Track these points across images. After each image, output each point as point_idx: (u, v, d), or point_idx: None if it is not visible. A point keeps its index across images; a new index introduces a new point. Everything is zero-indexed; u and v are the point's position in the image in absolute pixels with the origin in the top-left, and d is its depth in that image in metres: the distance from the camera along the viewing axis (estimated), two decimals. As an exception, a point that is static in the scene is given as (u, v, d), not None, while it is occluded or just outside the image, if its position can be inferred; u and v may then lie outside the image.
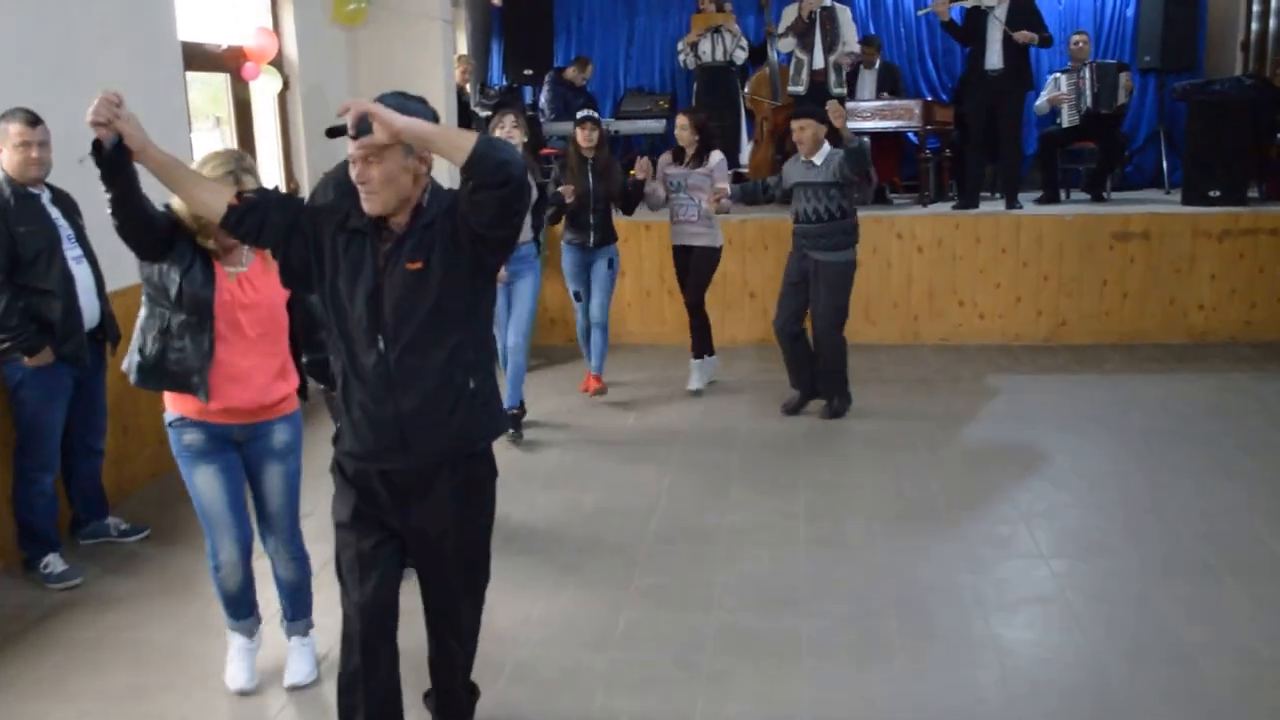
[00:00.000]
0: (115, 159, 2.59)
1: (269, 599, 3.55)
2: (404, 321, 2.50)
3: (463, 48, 9.91)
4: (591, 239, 6.21)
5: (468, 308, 2.56)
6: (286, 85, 6.63)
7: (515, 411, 5.71)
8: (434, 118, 2.48)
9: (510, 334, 5.72)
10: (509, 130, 5.37)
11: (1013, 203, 7.89)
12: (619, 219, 6.48)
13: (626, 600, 3.91)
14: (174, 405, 3.16)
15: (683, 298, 6.53)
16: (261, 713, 3.28)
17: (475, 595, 2.85)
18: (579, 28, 10.77)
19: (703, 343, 6.56)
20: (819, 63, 8.22)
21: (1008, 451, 5.46)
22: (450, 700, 2.95)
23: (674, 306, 7.19)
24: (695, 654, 3.51)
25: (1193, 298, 7.50)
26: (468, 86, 8.91)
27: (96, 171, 2.64)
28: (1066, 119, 8.39)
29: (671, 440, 5.72)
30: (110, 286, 4.36)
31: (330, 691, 2.95)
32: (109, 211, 2.79)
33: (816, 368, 6.03)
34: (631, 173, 6.32)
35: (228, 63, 6.18)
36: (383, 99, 2.43)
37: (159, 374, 3.11)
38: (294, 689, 3.36)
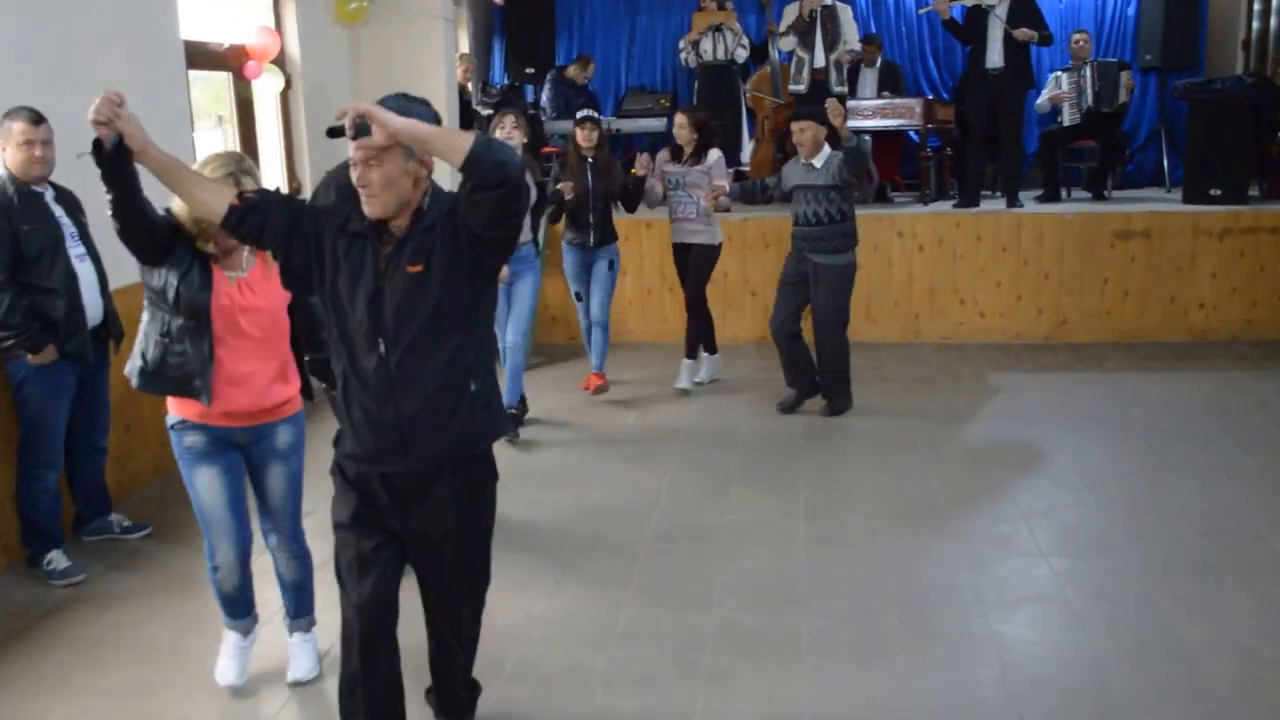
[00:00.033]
0: (116, 159, 2.60)
1: (270, 597, 3.56)
2: (405, 325, 2.50)
3: (464, 46, 9.92)
4: (592, 239, 6.21)
5: (468, 310, 2.56)
6: (288, 84, 6.65)
7: (514, 410, 5.72)
8: (435, 120, 2.48)
9: (509, 333, 5.73)
10: (509, 130, 5.38)
11: (1013, 201, 7.89)
12: (620, 217, 6.49)
13: (627, 598, 3.92)
14: (176, 408, 3.17)
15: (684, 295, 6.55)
16: (263, 709, 3.29)
17: (476, 597, 2.85)
18: (580, 26, 10.76)
19: (697, 342, 6.55)
20: (820, 61, 8.22)
21: (1008, 450, 5.47)
22: (451, 698, 2.97)
23: (675, 305, 7.20)
24: (695, 652, 3.52)
25: (1193, 296, 7.50)
26: (469, 85, 8.92)
27: (97, 171, 2.64)
28: (1067, 117, 8.39)
29: (672, 438, 5.73)
30: (113, 284, 4.37)
31: (332, 688, 2.96)
32: (109, 214, 2.80)
33: (819, 368, 6.04)
34: (633, 170, 6.32)
35: (230, 61, 6.19)
36: (385, 101, 2.44)
37: (161, 379, 3.12)
38: (296, 685, 3.37)
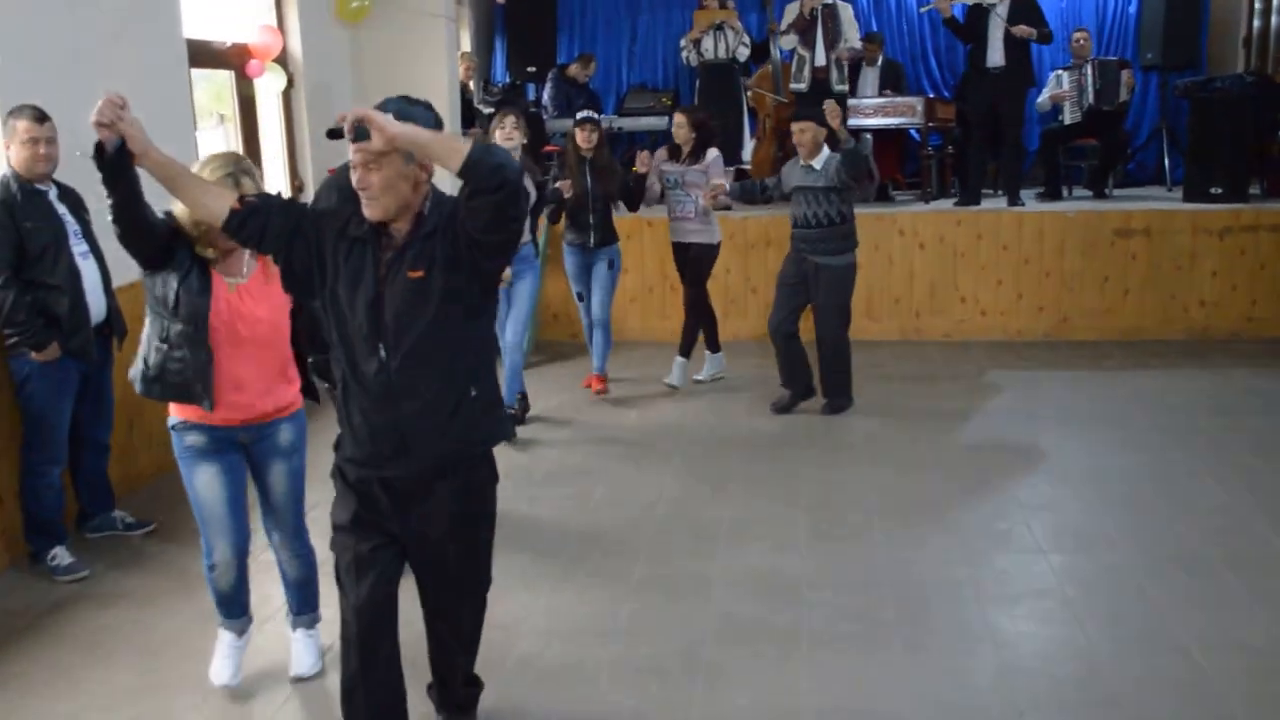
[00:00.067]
0: (118, 162, 2.60)
1: (271, 595, 3.58)
2: (405, 330, 2.50)
3: (466, 45, 9.93)
4: (592, 239, 6.21)
5: (469, 316, 2.56)
6: (291, 82, 6.67)
7: (513, 410, 5.74)
8: (437, 122, 2.49)
9: (509, 332, 5.75)
10: (510, 131, 5.39)
11: (1014, 199, 7.91)
12: (622, 216, 6.50)
13: (628, 593, 3.94)
14: (177, 410, 3.17)
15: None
16: (265, 705, 3.31)
17: (476, 599, 2.86)
18: (582, 25, 10.78)
19: (692, 340, 6.55)
20: (821, 60, 8.23)
21: (1008, 446, 5.48)
22: (452, 694, 2.98)
23: (676, 304, 7.21)
24: (696, 645, 3.54)
25: (1194, 294, 7.51)
26: (471, 84, 8.93)
27: (98, 173, 2.65)
28: (1068, 116, 8.40)
29: (673, 435, 5.74)
30: (117, 282, 4.38)
31: (334, 684, 2.98)
32: (110, 218, 2.80)
33: (821, 368, 6.05)
34: (634, 168, 6.33)
35: (232, 60, 6.21)
36: (386, 103, 2.45)
37: (162, 385, 3.12)
38: (298, 680, 3.39)
